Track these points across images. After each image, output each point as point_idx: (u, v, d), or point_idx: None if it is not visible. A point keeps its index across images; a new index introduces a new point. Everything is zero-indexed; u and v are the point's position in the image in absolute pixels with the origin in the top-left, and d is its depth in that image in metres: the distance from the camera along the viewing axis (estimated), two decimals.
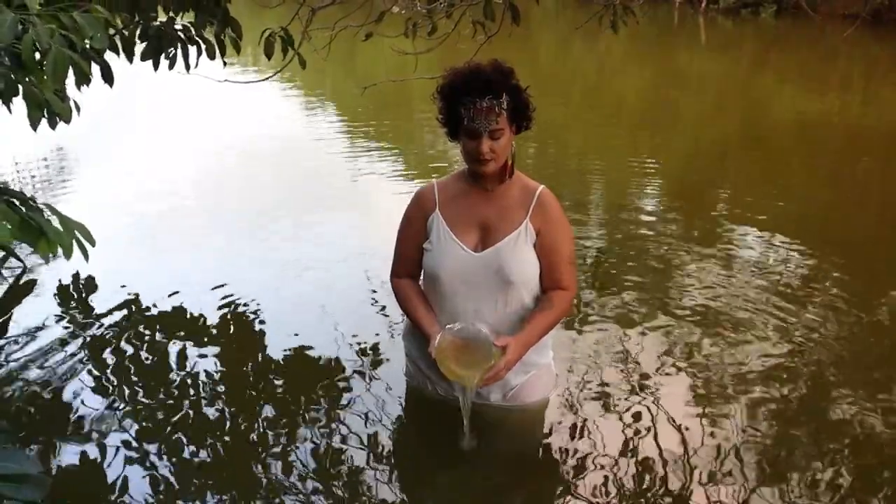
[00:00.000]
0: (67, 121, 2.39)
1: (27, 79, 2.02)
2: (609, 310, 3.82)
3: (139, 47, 3.52)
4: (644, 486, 2.54)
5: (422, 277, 2.61)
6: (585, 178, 6.61)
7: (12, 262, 4.14)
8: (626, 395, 3.05)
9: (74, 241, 1.98)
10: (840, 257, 4.63)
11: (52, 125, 2.50)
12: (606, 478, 2.57)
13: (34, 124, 2.14)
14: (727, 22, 19.59)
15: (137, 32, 3.43)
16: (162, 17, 3.62)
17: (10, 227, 1.79)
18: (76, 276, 4.16)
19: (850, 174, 6.96)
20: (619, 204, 5.75)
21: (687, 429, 2.84)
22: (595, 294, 3.99)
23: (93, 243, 2.06)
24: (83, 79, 2.24)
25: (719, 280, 4.21)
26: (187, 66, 3.56)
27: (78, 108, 2.50)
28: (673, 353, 3.40)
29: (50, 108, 2.18)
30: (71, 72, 1.96)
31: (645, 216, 5.38)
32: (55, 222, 1.98)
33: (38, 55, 1.95)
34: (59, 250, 1.95)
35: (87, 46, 1.98)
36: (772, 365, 3.31)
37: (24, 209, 1.91)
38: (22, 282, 4.14)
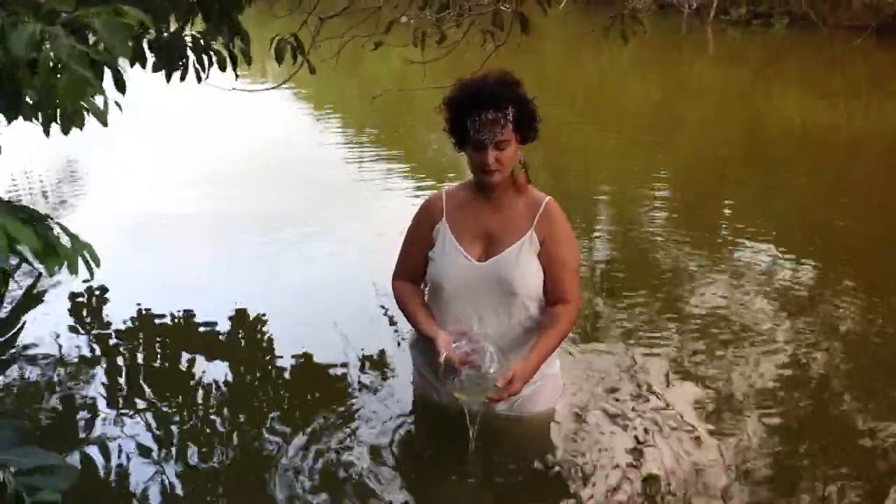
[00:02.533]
0: (104, 123, 2.36)
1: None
2: (616, 320, 3.81)
3: (150, 57, 3.52)
4: (649, 498, 2.52)
5: (426, 287, 2.60)
6: (591, 187, 6.60)
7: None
8: (633, 406, 3.04)
9: (81, 260, 1.98)
10: (846, 266, 4.62)
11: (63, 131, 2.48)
12: (611, 489, 2.56)
13: (67, 129, 2.16)
14: (736, 33, 19.58)
15: (146, 41, 3.43)
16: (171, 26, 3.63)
17: (35, 236, 1.80)
18: (87, 284, 4.16)
19: (855, 182, 6.94)
20: (625, 213, 5.75)
21: (694, 441, 2.83)
22: (602, 304, 3.99)
23: (98, 264, 2.05)
24: (96, 90, 2.23)
25: (726, 290, 4.19)
26: (199, 78, 3.57)
27: (119, 106, 2.47)
28: (680, 364, 3.39)
29: (68, 115, 2.17)
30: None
31: (651, 226, 5.37)
32: (65, 240, 1.97)
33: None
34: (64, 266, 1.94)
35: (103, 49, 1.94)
36: (780, 376, 3.29)
37: (36, 226, 1.91)
38: (35, 289, 4.15)
